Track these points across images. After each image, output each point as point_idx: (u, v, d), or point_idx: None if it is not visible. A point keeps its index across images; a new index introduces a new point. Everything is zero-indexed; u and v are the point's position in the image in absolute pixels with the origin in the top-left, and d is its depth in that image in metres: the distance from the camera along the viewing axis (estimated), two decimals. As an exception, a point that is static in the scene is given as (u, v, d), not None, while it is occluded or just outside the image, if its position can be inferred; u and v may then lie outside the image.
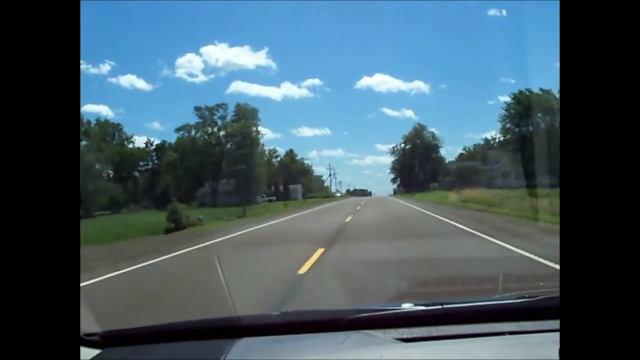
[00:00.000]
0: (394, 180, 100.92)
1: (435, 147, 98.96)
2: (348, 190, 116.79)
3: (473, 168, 65.57)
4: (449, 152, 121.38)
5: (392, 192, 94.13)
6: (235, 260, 9.25)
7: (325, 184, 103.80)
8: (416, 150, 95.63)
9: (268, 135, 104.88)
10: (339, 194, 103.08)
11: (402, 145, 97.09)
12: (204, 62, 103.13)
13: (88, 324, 1.81)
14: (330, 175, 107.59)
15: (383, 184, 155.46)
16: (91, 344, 1.40)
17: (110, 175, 56.15)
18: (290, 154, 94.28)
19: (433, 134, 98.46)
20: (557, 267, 6.17)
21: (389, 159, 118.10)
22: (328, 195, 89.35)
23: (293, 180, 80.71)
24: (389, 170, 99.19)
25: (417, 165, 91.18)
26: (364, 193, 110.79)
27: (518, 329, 1.35)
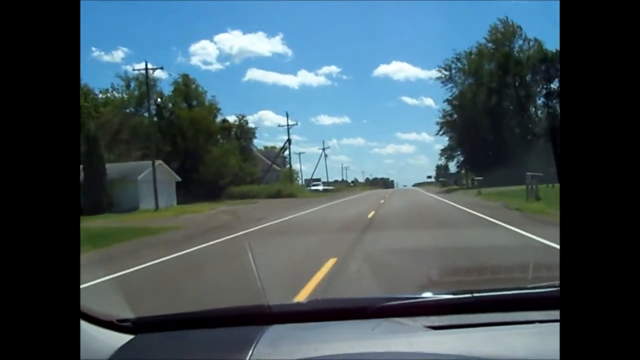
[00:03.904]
0: (448, 153, 46.31)
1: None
2: (367, 179, 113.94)
3: None
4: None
5: (427, 180, 76.72)
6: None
7: (288, 165, 50.42)
8: (509, 75, 36.13)
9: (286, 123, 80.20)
10: (320, 187, 58.82)
11: (463, 65, 42.18)
12: (219, 49, 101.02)
13: (121, 310, 2.23)
14: (288, 142, 54.06)
15: (405, 173, 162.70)
16: (124, 330, 1.46)
17: None
18: (183, 85, 37.73)
19: (539, 43, 39.15)
20: None
21: (410, 148, 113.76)
22: (279, 192, 41.63)
23: (191, 155, 37.77)
24: (437, 128, 47.97)
25: (515, 113, 32.57)
26: (385, 183, 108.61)
27: (549, 318, 1.36)
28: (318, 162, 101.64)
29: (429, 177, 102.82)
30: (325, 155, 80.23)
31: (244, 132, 49.64)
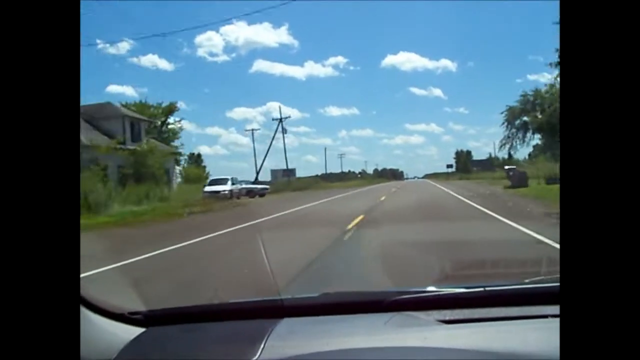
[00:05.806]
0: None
1: None
2: (376, 170, 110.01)
3: None
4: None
5: (446, 170, 77.02)
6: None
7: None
8: None
9: (295, 115, 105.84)
10: (225, 188, 29.67)
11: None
12: (225, 40, 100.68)
13: (133, 302, 2.33)
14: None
15: (415, 164, 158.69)
16: (135, 323, 1.45)
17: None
18: None
19: None
20: None
21: (419, 139, 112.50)
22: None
23: None
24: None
25: None
26: (394, 174, 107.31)
27: None
28: (271, 144, 60.38)
29: (450, 166, 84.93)
30: (284, 131, 49.70)
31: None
